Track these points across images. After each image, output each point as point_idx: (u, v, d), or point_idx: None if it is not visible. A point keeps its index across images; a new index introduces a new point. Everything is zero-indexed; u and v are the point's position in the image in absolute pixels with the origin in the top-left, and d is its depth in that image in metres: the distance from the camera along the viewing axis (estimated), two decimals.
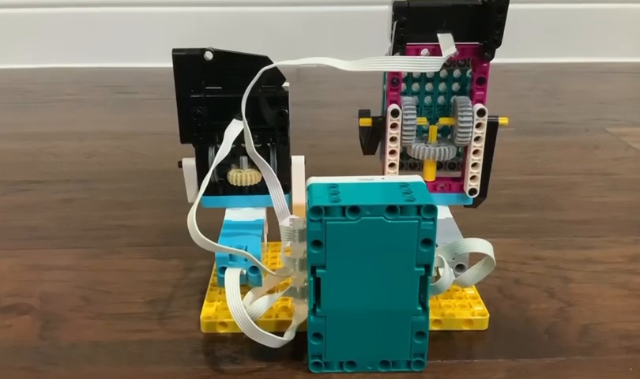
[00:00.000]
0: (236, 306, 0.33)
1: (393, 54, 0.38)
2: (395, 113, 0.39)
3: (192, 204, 0.37)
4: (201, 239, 0.34)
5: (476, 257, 0.36)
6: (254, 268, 0.37)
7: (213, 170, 0.39)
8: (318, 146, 0.70)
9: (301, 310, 0.35)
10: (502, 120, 0.40)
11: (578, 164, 0.68)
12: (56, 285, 0.43)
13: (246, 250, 0.36)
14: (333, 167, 0.64)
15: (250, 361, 0.35)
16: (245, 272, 0.37)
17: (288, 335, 0.35)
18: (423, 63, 0.37)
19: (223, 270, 0.36)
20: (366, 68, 0.36)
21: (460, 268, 0.37)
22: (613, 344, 0.36)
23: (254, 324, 0.33)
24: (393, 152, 0.40)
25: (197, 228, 0.34)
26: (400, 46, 0.37)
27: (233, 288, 0.34)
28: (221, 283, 0.36)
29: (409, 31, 0.37)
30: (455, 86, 0.41)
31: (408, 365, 0.34)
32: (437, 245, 0.33)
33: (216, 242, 0.36)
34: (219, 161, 0.37)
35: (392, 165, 0.40)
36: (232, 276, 0.35)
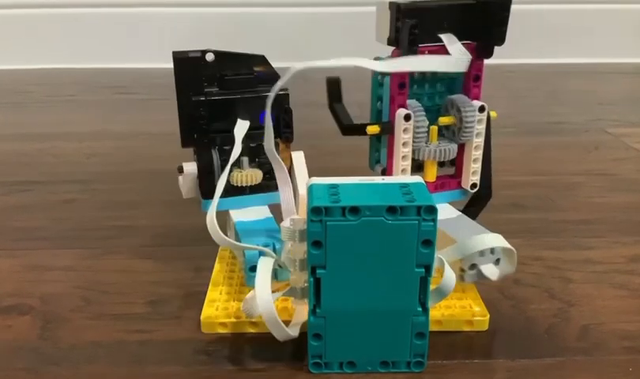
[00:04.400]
0: (264, 292, 0.33)
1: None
2: (408, 117, 0.38)
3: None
4: (224, 240, 0.34)
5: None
6: (254, 268, 0.37)
7: (219, 173, 0.39)
8: (319, 146, 0.70)
9: (303, 310, 0.35)
10: (492, 113, 0.40)
11: (579, 165, 0.68)
12: (56, 285, 0.43)
13: (274, 249, 0.36)
14: (333, 168, 0.64)
15: (250, 361, 0.35)
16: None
17: (294, 331, 0.35)
18: (452, 63, 0.37)
19: (253, 269, 0.36)
20: (400, 68, 0.36)
21: (498, 262, 0.37)
22: (613, 344, 0.36)
23: (276, 313, 0.33)
24: (405, 157, 0.39)
25: (218, 229, 0.34)
26: (413, 49, 0.37)
27: (265, 275, 0.33)
28: (250, 282, 0.36)
29: (420, 33, 0.37)
30: (440, 86, 0.41)
31: (407, 366, 0.34)
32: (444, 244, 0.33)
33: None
34: (233, 160, 0.37)
35: (404, 170, 0.40)
36: (266, 264, 0.34)
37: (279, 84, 0.36)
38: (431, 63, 0.37)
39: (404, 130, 0.38)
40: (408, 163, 0.40)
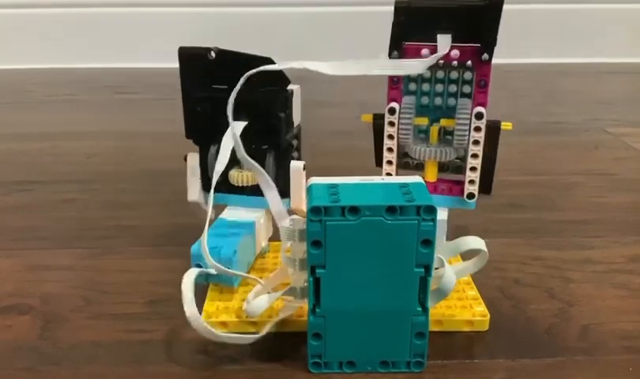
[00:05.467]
0: (193, 314, 0.33)
1: (390, 54, 0.38)
2: (392, 111, 0.39)
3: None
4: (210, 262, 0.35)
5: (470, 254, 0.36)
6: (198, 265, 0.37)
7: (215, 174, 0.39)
8: (318, 146, 0.70)
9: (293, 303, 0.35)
10: (506, 126, 0.40)
11: (578, 164, 0.68)
12: (56, 285, 0.43)
13: (219, 251, 0.37)
14: (333, 167, 0.64)
15: (250, 361, 0.35)
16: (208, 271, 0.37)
17: (264, 331, 0.35)
18: (404, 66, 0.37)
19: (198, 266, 0.37)
20: (347, 72, 0.35)
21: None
22: (613, 344, 0.36)
23: (212, 330, 0.33)
24: (390, 150, 0.40)
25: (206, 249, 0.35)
26: (395, 46, 0.37)
27: (188, 294, 0.34)
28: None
29: (407, 31, 0.37)
30: (466, 89, 0.40)
31: (407, 366, 0.34)
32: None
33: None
34: (219, 174, 0.37)
35: (389, 162, 0.40)
36: (188, 281, 0.34)
37: (237, 87, 0.35)
38: (380, 66, 0.36)
39: (389, 123, 0.39)
40: (393, 156, 0.40)
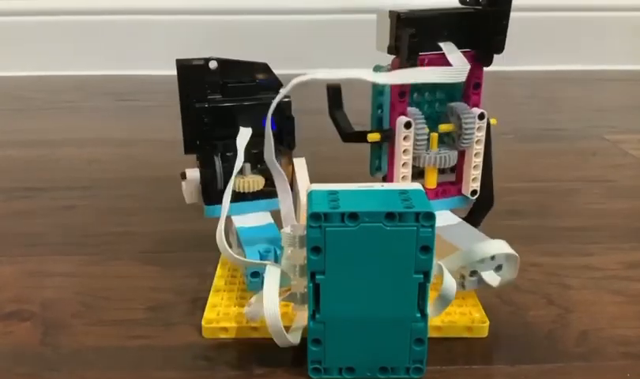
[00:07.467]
0: (271, 300, 0.33)
1: (405, 65, 0.37)
2: (408, 125, 0.39)
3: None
4: (232, 256, 0.35)
5: None
6: (256, 273, 0.37)
7: (222, 179, 0.39)
8: (319, 153, 0.70)
9: (303, 316, 0.36)
10: (492, 120, 0.41)
11: (576, 171, 0.69)
12: (57, 291, 0.43)
13: (275, 255, 0.37)
14: (333, 174, 0.64)
15: (250, 366, 0.35)
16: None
17: (295, 337, 0.35)
18: (451, 73, 0.37)
19: (254, 274, 0.37)
20: (401, 80, 0.36)
21: (499, 268, 0.37)
22: (611, 350, 0.37)
23: (280, 321, 0.33)
24: (405, 165, 0.40)
25: (227, 247, 0.35)
26: (413, 57, 0.37)
27: (272, 284, 0.33)
28: (252, 287, 0.37)
29: (420, 41, 0.37)
30: (439, 94, 0.41)
31: (407, 372, 0.34)
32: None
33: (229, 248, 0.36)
34: (237, 170, 0.38)
35: (404, 178, 0.40)
36: (273, 273, 0.34)
37: (281, 93, 0.36)
38: (430, 75, 0.37)
39: (405, 138, 0.39)
40: (408, 171, 0.40)
